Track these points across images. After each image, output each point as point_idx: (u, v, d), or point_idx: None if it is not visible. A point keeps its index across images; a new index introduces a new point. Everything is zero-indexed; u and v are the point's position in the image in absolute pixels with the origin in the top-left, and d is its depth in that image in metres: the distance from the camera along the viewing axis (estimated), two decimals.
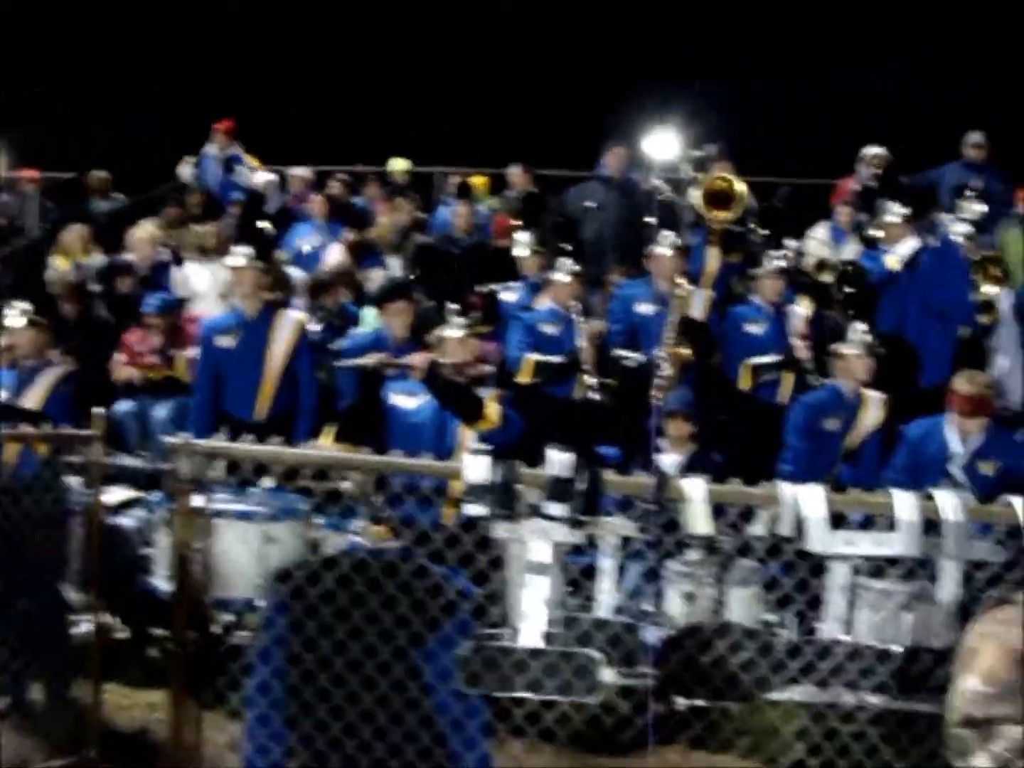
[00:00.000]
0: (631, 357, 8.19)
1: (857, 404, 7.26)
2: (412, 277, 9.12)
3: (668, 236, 8.39)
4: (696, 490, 4.15)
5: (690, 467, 7.00)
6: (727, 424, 8.05)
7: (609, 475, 4.25)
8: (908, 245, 8.29)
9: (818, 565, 4.22)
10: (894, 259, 8.23)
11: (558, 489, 4.14)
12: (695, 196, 8.93)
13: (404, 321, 7.22)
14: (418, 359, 5.27)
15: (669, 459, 7.14)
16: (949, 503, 4.14)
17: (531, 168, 12.30)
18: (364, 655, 4.19)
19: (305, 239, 10.71)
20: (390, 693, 4.13)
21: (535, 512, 4.15)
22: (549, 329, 8.27)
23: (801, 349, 7.88)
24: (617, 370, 8.19)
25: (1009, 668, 3.22)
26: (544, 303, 8.51)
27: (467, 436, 5.33)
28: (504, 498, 4.12)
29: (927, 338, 8.11)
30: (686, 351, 8.10)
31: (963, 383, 6.74)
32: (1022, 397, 8.36)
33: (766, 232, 8.87)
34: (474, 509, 4.13)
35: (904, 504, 4.11)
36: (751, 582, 5.66)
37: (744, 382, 8.05)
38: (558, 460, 4.18)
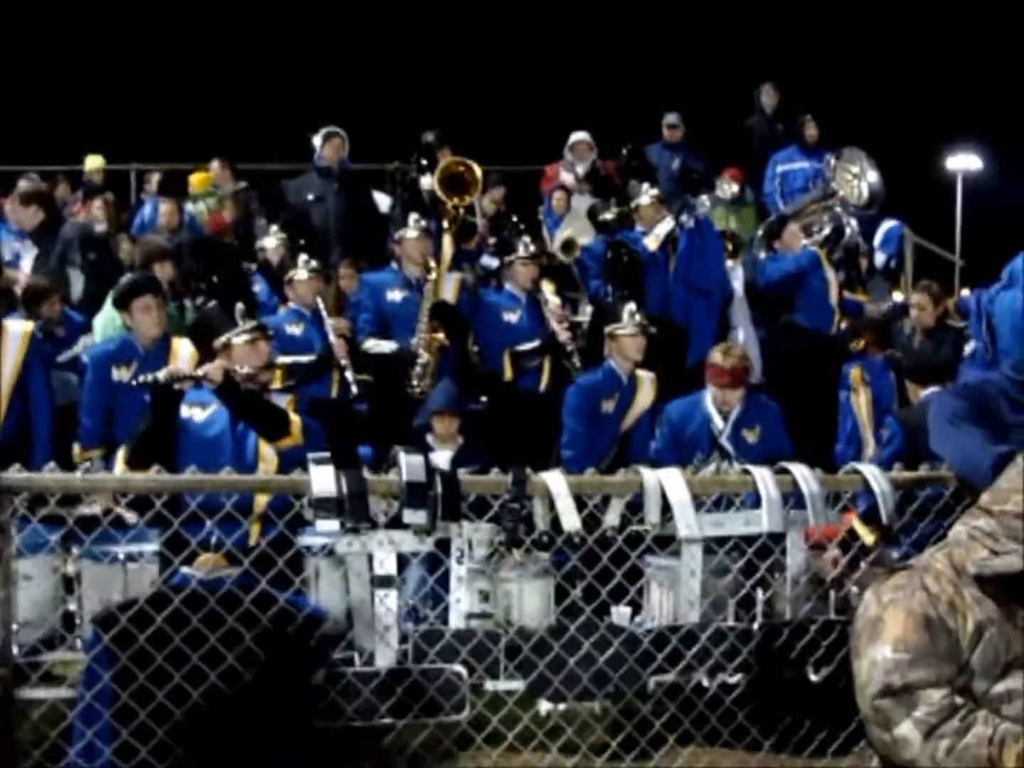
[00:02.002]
0: (383, 345, 7.92)
1: (632, 385, 7.26)
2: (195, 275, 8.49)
3: (416, 219, 8.15)
4: (559, 484, 3.96)
5: (459, 461, 6.83)
6: (490, 414, 7.93)
7: (463, 475, 4.01)
8: (664, 226, 8.40)
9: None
10: (653, 240, 8.31)
11: (414, 495, 3.86)
12: (430, 182, 8.73)
13: (153, 319, 6.68)
14: (212, 368, 4.80)
15: (441, 455, 6.91)
16: (804, 475, 4.14)
17: (229, 162, 11.85)
18: (208, 701, 3.75)
19: (3, 244, 9.81)
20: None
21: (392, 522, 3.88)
22: (294, 330, 7.88)
23: (562, 333, 7.82)
24: (370, 362, 7.91)
25: (919, 632, 3.18)
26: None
27: (267, 447, 4.92)
28: (356, 509, 3.80)
29: (692, 316, 8.24)
30: (440, 336, 7.93)
31: (720, 356, 6.86)
32: (760, 367, 8.62)
33: (516, 218, 8.78)
34: (325, 524, 3.79)
35: (765, 481, 4.07)
36: (545, 575, 5.50)
37: (507, 371, 7.91)
38: (410, 464, 3.90)
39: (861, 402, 7.74)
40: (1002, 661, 3.18)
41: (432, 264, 8.06)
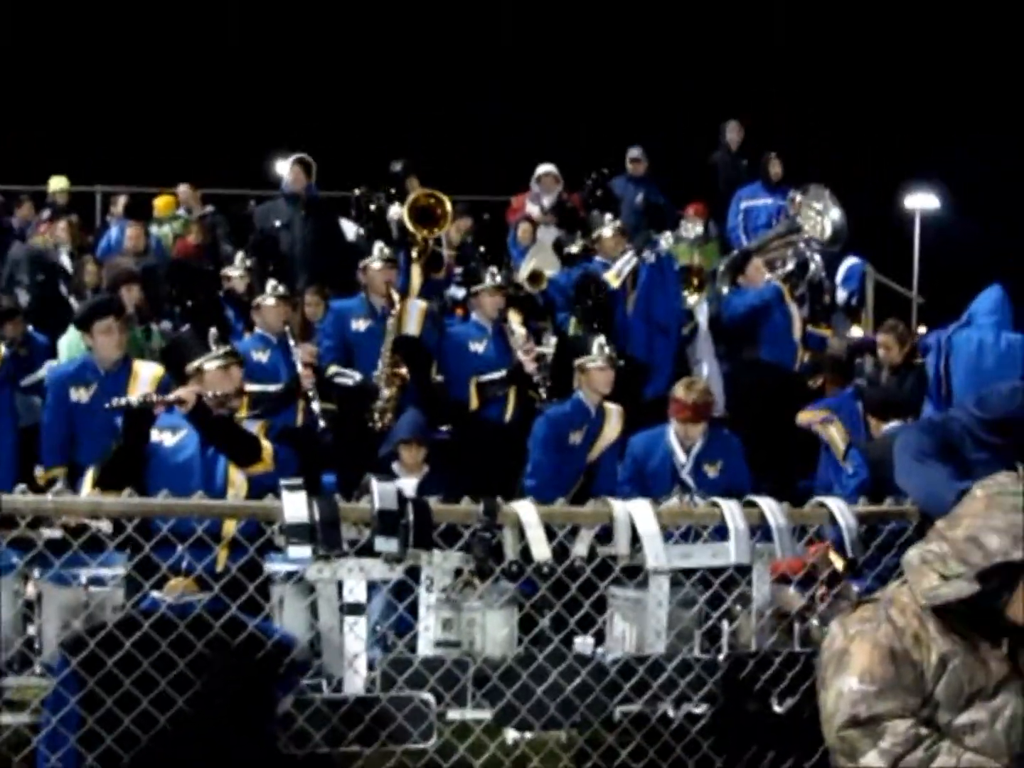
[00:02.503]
0: (348, 375, 7.93)
1: (600, 417, 7.31)
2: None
3: (381, 249, 8.17)
4: (530, 514, 3.99)
5: (424, 490, 6.86)
6: (455, 443, 7.95)
7: (435, 504, 4.02)
8: (626, 260, 8.47)
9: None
10: (613, 274, 8.38)
11: (386, 523, 3.87)
12: (398, 212, 8.77)
13: (114, 341, 6.68)
14: (185, 392, 4.80)
15: (407, 483, 6.94)
16: (772, 508, 4.18)
17: (196, 186, 11.90)
18: (175, 726, 3.74)
19: None
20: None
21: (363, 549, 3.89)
22: (260, 356, 7.86)
23: (529, 363, 7.85)
24: (334, 391, 7.91)
25: (885, 664, 3.24)
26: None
27: (237, 473, 4.92)
28: (329, 537, 3.81)
29: (651, 351, 8.29)
30: (402, 371, 7.95)
31: (683, 391, 6.95)
32: (723, 401, 8.69)
33: (482, 248, 8.82)
34: (297, 551, 3.79)
35: (733, 513, 4.12)
36: (511, 604, 5.52)
37: (473, 400, 7.93)
38: (382, 492, 3.91)
39: (833, 433, 7.80)
40: (966, 692, 3.23)
41: (396, 296, 8.08)
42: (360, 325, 8.14)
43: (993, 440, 4.25)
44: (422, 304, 8.44)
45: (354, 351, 8.10)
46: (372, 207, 8.84)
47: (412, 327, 8.19)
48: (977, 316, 7.86)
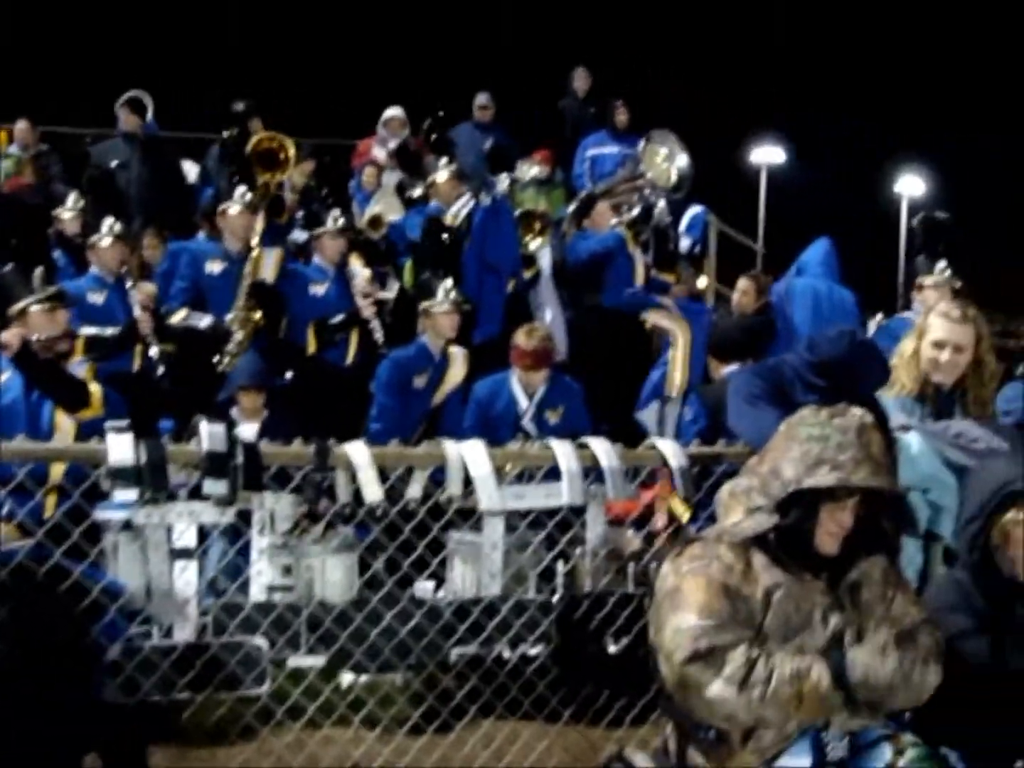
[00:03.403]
0: (198, 317, 7.75)
1: (444, 361, 7.28)
2: None
3: (243, 193, 8.00)
4: (361, 456, 3.95)
5: (265, 434, 6.76)
6: (295, 387, 7.83)
7: (265, 446, 3.95)
8: (463, 203, 8.41)
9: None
10: (450, 217, 8.32)
11: (214, 465, 3.79)
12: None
13: None
14: (9, 335, 4.62)
15: (248, 429, 6.82)
16: (605, 449, 4.22)
17: (34, 123, 11.42)
18: None
19: None
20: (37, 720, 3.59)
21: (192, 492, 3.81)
22: (96, 298, 7.63)
23: (366, 308, 7.77)
24: (181, 334, 7.72)
25: (720, 599, 3.33)
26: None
27: (64, 417, 4.77)
28: (156, 479, 3.71)
29: (483, 293, 8.26)
30: (257, 316, 7.80)
31: (524, 338, 6.96)
32: (566, 347, 8.71)
33: (325, 191, 8.68)
34: (123, 494, 3.69)
35: (566, 455, 4.14)
36: (349, 548, 5.49)
37: (311, 344, 7.82)
38: (211, 433, 3.83)
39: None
40: (793, 623, 3.33)
41: (254, 241, 7.92)
42: (215, 268, 7.99)
43: (820, 383, 4.34)
44: (279, 250, 8.27)
45: (207, 294, 7.94)
46: (239, 152, 8.61)
47: (268, 273, 8.03)
48: (808, 267, 8.05)
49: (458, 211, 8.45)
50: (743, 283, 8.64)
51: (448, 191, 8.70)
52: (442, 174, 8.77)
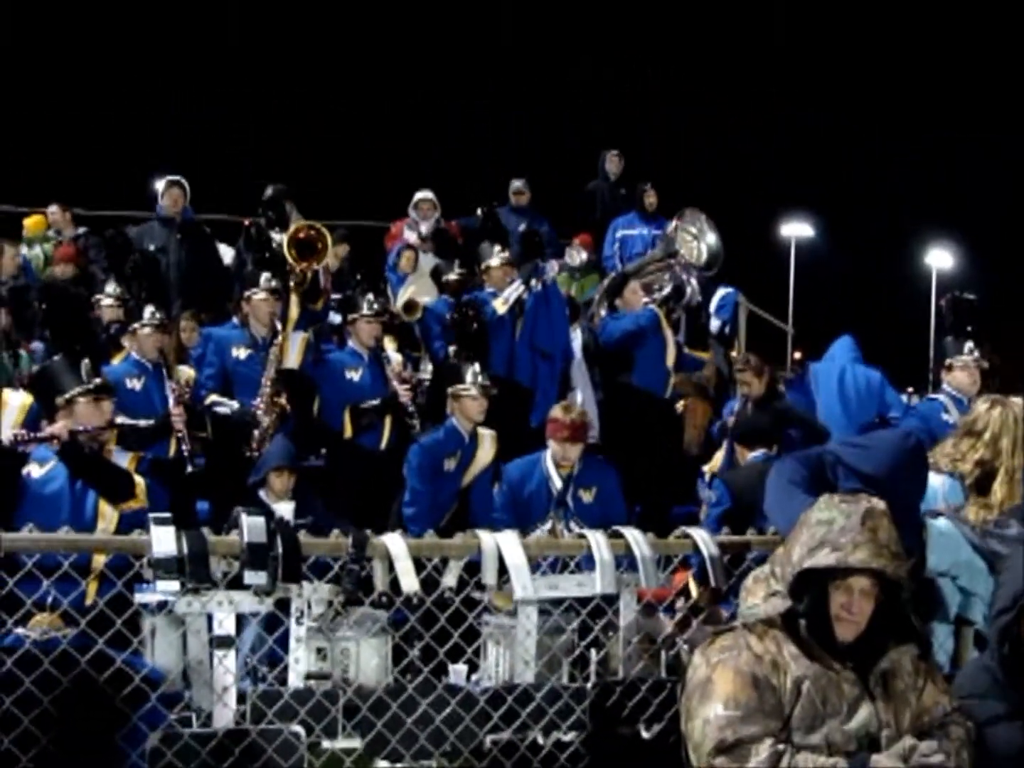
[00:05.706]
0: (226, 404, 7.85)
1: (473, 443, 7.37)
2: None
3: (267, 279, 8.14)
4: (398, 546, 4.02)
5: (301, 513, 6.84)
6: (329, 471, 7.93)
7: (304, 537, 4.03)
8: (514, 288, 8.56)
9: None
10: (501, 302, 8.46)
11: (255, 556, 3.87)
12: (279, 241, 8.72)
13: None
14: (58, 429, 4.73)
15: (285, 507, 6.90)
16: (637, 539, 4.27)
17: (68, 207, 11.68)
18: (40, 764, 3.68)
19: None
20: None
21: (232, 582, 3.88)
22: (133, 383, 7.75)
23: (402, 393, 7.88)
24: (210, 420, 7.82)
25: (747, 690, 3.37)
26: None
27: (107, 505, 4.86)
28: (197, 570, 3.80)
29: (536, 378, 8.38)
30: (282, 401, 7.90)
31: (561, 412, 7.06)
32: (598, 429, 8.78)
33: (360, 277, 8.82)
34: (165, 585, 3.77)
35: (599, 544, 4.20)
36: (383, 633, 5.53)
37: (347, 428, 7.92)
38: (251, 525, 3.91)
39: None
40: (820, 714, 3.37)
41: (279, 327, 8.04)
42: (241, 353, 8.09)
43: (864, 471, 4.36)
44: (303, 335, 8.39)
45: (233, 380, 8.03)
46: (263, 237, 8.76)
47: (292, 360, 8.14)
48: (835, 354, 8.20)
49: (508, 295, 8.59)
50: (741, 376, 8.65)
51: (501, 277, 8.85)
52: (495, 260, 8.93)
